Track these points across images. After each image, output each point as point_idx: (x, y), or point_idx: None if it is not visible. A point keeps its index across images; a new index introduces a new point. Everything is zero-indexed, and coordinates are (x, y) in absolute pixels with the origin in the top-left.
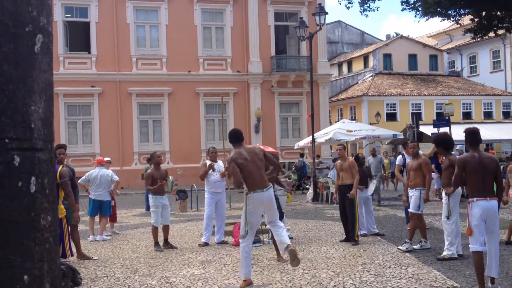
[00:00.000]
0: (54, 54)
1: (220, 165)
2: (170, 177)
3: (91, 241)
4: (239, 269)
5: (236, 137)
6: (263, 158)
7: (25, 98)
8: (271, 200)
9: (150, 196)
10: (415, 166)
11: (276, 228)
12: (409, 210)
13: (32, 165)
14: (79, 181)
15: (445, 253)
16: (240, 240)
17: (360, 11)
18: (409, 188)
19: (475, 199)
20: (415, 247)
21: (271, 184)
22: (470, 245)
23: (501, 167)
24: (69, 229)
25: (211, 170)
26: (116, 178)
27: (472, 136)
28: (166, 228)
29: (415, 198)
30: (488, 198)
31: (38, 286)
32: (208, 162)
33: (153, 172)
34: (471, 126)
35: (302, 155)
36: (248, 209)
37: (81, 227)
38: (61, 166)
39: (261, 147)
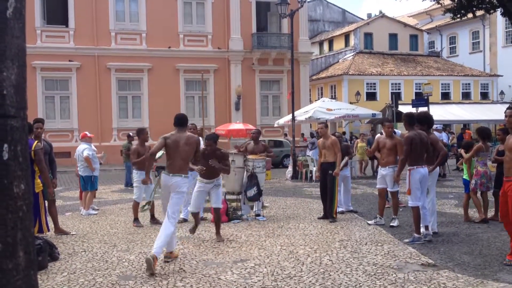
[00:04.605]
0: (31, 27)
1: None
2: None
3: (81, 214)
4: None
5: (179, 121)
6: (193, 149)
7: None
8: (174, 187)
9: (134, 171)
10: (389, 145)
11: (164, 223)
12: (388, 189)
13: (4, 132)
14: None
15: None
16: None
17: None
18: (380, 167)
19: (415, 167)
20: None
21: (183, 175)
22: (409, 202)
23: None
24: (46, 204)
25: None
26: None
27: (411, 118)
28: (151, 205)
29: (392, 177)
30: (423, 166)
31: (11, 253)
32: None
33: (139, 147)
34: (449, 106)
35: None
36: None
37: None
38: (36, 141)
39: (200, 139)
